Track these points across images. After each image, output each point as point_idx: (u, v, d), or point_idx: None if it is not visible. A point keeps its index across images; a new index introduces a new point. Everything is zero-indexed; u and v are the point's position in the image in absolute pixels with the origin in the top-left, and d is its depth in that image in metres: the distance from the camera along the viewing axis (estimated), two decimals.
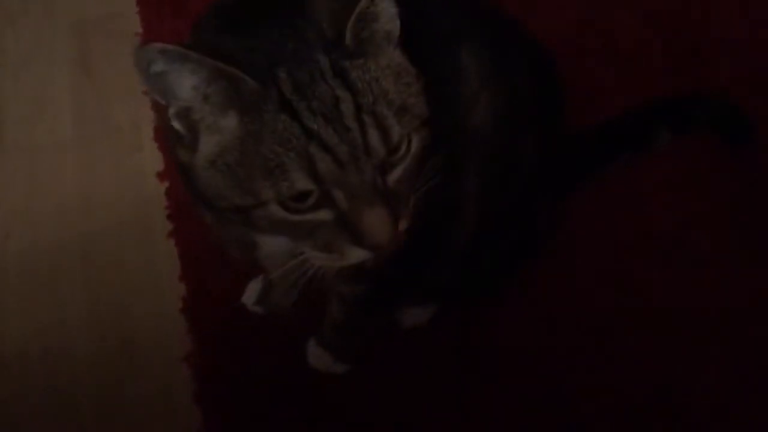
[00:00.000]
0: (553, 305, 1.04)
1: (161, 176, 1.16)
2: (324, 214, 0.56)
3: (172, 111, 0.55)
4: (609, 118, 1.14)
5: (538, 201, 0.91)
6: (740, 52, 1.28)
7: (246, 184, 0.54)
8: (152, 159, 1.18)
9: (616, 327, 1.02)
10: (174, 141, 0.58)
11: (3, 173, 1.19)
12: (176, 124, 0.56)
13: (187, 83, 0.53)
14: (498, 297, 1.03)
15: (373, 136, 0.53)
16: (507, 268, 0.96)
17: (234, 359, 1.00)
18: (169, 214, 1.12)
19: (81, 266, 1.09)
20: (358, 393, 0.97)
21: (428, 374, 0.99)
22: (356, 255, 0.57)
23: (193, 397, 0.97)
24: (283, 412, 0.97)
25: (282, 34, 0.55)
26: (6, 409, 0.98)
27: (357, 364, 0.99)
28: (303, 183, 0.53)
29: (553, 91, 0.92)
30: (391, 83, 0.56)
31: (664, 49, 1.30)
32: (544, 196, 0.93)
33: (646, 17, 1.33)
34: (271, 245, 0.66)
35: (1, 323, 1.05)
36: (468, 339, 1.01)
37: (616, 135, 1.13)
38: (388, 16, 0.56)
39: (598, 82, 1.26)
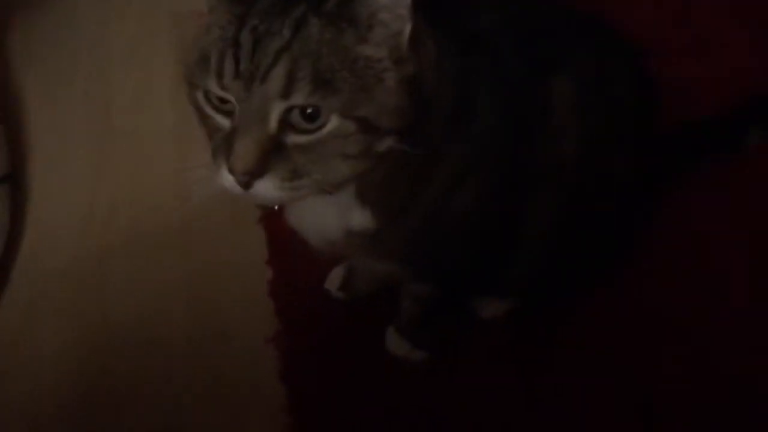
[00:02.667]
0: (639, 304, 1.04)
1: None
2: (225, 122, 0.61)
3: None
4: (698, 119, 1.13)
5: (629, 206, 0.92)
6: None
7: (192, 63, 0.61)
8: None
9: (696, 327, 1.02)
10: None
11: (110, 156, 1.28)
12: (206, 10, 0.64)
13: None
14: (580, 296, 1.03)
15: (277, 73, 0.57)
16: (589, 273, 0.97)
17: (318, 342, 1.05)
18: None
19: (179, 246, 1.17)
20: (433, 381, 1.01)
21: (504, 366, 1.01)
22: (223, 175, 0.60)
23: (278, 375, 1.02)
24: (362, 393, 1.01)
25: None
26: (111, 387, 1.05)
27: (434, 352, 1.02)
28: (212, 83, 0.59)
29: (647, 94, 0.92)
30: (332, 57, 0.58)
31: (759, 47, 1.27)
32: (635, 200, 0.93)
33: (740, 14, 1.31)
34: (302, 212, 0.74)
35: (107, 307, 1.12)
36: (546, 335, 1.03)
37: (705, 134, 1.12)
38: (383, 7, 0.58)
39: (687, 80, 1.23)
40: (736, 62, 1.27)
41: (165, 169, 1.25)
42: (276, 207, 0.77)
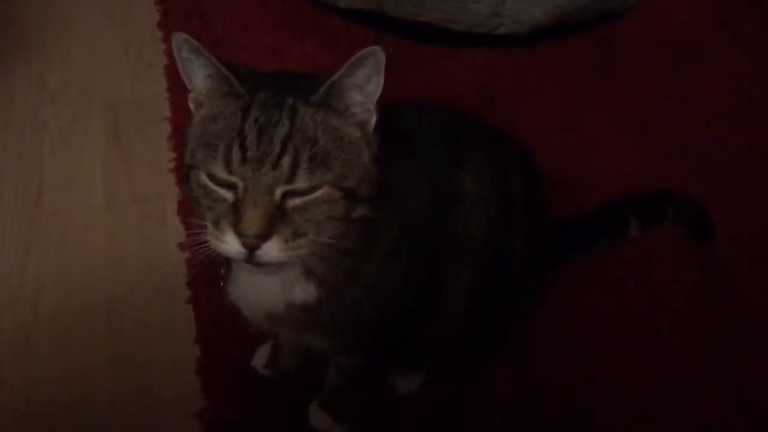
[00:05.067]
0: (537, 372, 1.16)
1: (182, 246, 1.28)
2: (228, 194, 0.69)
3: (191, 96, 0.74)
4: (588, 211, 1.28)
5: (526, 281, 1.04)
6: (705, 158, 1.44)
7: (196, 149, 0.71)
8: (174, 230, 1.30)
9: (592, 390, 1.15)
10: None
11: (39, 236, 1.31)
12: (191, 105, 0.75)
13: (200, 73, 0.72)
14: (486, 365, 1.14)
15: (286, 160, 0.68)
16: (493, 343, 1.09)
17: (243, 418, 1.10)
18: (188, 282, 1.23)
19: (107, 324, 1.20)
20: None
21: None
22: (229, 240, 0.68)
23: None
24: None
25: (286, 80, 0.74)
26: None
27: (354, 426, 1.09)
28: (219, 168, 0.69)
29: (536, 187, 1.07)
30: (327, 137, 0.70)
31: (635, 150, 1.45)
32: (532, 277, 1.06)
33: (620, 122, 1.50)
34: (245, 286, 0.82)
35: (33, 372, 1.15)
36: (456, 403, 1.12)
37: (593, 224, 1.28)
38: (357, 102, 0.72)
39: (576, 178, 1.41)
40: (617, 161, 1.45)
41: (94, 249, 1.29)
42: (221, 282, 0.85)
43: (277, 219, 0.68)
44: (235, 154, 0.68)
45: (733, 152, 1.46)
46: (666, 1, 1.69)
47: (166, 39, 1.58)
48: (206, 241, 0.71)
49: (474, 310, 0.94)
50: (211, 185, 0.70)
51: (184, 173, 0.75)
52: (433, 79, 1.54)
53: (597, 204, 1.30)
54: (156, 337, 1.19)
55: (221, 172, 0.69)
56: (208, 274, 0.83)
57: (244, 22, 1.62)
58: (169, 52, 1.56)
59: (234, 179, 0.68)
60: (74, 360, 1.17)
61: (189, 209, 1.30)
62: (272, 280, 0.80)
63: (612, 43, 1.63)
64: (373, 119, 0.74)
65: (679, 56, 1.62)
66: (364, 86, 0.71)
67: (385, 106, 0.75)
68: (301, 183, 0.68)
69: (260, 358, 1.15)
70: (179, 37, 0.71)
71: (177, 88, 1.50)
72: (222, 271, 0.85)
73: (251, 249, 0.68)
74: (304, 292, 0.80)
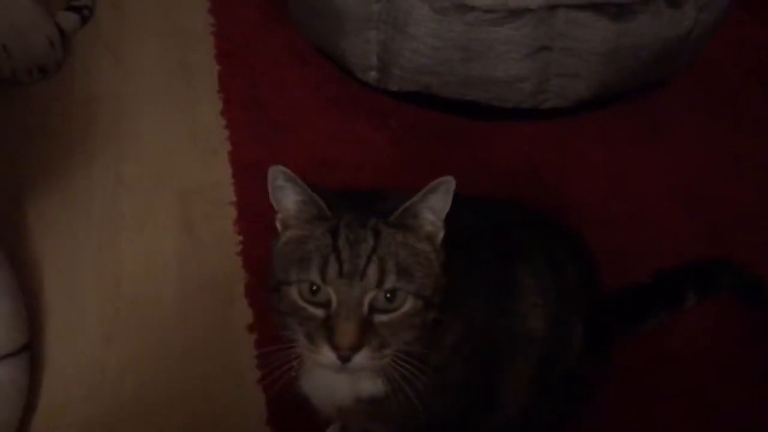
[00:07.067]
0: None
1: (250, 328, 1.35)
2: (319, 312, 0.77)
3: (278, 217, 0.84)
4: (643, 282, 1.31)
5: (586, 364, 1.07)
6: (757, 221, 1.45)
7: (287, 265, 0.79)
8: (243, 312, 1.37)
9: None
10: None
11: (119, 324, 1.39)
12: (278, 224, 0.84)
13: (292, 198, 0.81)
14: None
15: (372, 269, 0.76)
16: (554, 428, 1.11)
17: None
18: (258, 363, 1.30)
19: (181, 408, 1.28)
20: None
21: None
22: (324, 353, 0.77)
23: None
24: None
25: (363, 201, 0.84)
26: None
27: None
28: (314, 275, 0.76)
29: (591, 270, 1.11)
30: (406, 253, 0.79)
31: (687, 216, 1.47)
32: (591, 359, 1.08)
33: (669, 188, 1.52)
34: (316, 381, 0.89)
35: None
36: None
37: (649, 296, 1.30)
38: (429, 221, 0.81)
39: (629, 247, 1.43)
40: (669, 228, 1.47)
41: (168, 337, 1.37)
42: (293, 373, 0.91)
43: (366, 331, 0.76)
44: (332, 267, 0.76)
45: None
46: (709, 66, 1.72)
47: (229, 126, 1.68)
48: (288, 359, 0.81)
49: (533, 401, 0.98)
50: (301, 302, 0.79)
51: (270, 287, 0.83)
52: (480, 154, 1.60)
53: (652, 273, 1.32)
54: (226, 419, 1.26)
55: (317, 279, 0.77)
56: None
57: (299, 107, 1.72)
58: (233, 139, 1.67)
59: (329, 289, 0.77)
60: None
61: (256, 292, 1.39)
62: (344, 376, 0.86)
63: (656, 109, 1.67)
64: (441, 233, 0.82)
65: (726, 120, 1.64)
66: (435, 207, 0.80)
67: None
68: (389, 284, 0.76)
69: None
70: (276, 169, 0.80)
71: (241, 173, 1.60)
72: (294, 366, 0.91)
73: (344, 360, 0.76)
74: (372, 386, 0.87)
